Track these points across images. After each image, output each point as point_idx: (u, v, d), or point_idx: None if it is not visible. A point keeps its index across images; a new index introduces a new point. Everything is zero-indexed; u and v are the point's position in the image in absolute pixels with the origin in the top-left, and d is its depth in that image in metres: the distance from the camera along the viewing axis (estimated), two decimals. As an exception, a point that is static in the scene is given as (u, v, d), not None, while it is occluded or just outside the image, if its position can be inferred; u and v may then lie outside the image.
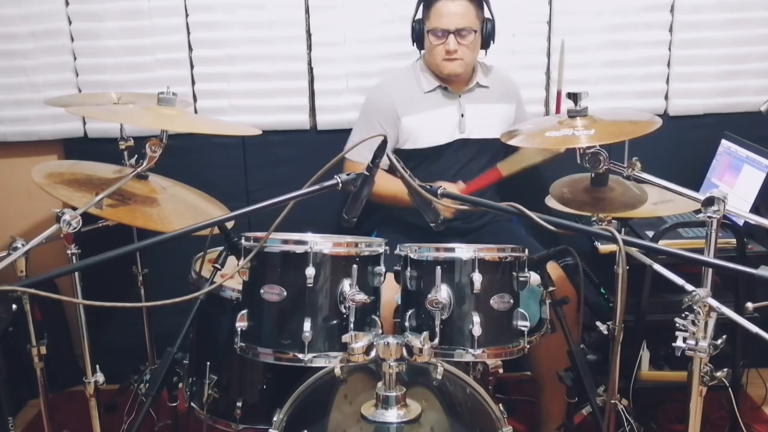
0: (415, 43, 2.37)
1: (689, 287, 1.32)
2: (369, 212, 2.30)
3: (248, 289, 1.57)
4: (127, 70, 2.64)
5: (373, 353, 1.43)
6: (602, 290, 2.31)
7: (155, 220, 1.80)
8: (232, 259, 1.77)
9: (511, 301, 1.58)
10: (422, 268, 1.58)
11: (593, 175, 1.63)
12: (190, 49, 2.64)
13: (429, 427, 1.47)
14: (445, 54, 2.25)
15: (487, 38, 2.31)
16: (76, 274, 1.70)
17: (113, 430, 2.18)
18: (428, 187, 1.56)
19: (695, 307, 1.30)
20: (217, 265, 1.74)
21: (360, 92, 2.53)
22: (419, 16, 2.32)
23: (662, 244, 1.86)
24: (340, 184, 1.47)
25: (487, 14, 2.31)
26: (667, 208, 1.98)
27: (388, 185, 1.99)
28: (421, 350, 1.40)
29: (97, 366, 1.79)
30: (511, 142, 1.81)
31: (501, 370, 1.85)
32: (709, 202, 1.40)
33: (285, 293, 1.49)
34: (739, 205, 2.14)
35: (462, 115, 2.35)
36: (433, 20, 2.26)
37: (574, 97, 1.62)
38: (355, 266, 1.50)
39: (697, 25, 2.62)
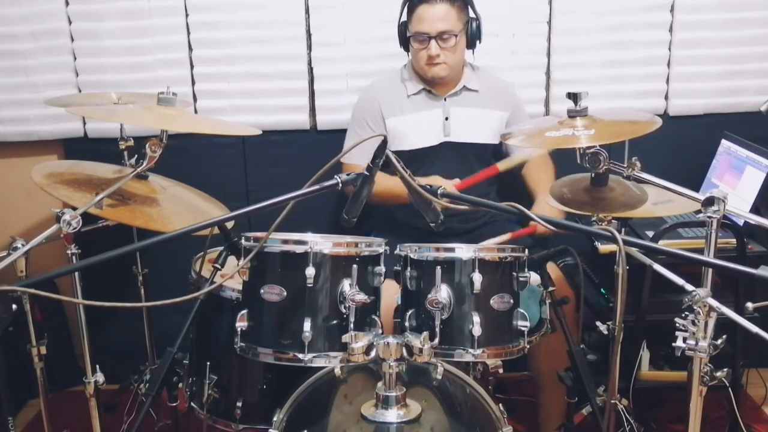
0: (402, 46, 2.36)
1: (689, 287, 1.31)
2: (369, 213, 2.30)
3: (248, 289, 1.56)
4: (127, 70, 2.64)
5: (373, 353, 1.42)
6: (602, 290, 2.31)
7: (155, 220, 1.80)
8: (232, 259, 1.77)
9: (511, 301, 1.58)
10: (422, 268, 1.58)
11: (593, 175, 1.63)
12: (190, 49, 2.64)
13: (429, 427, 1.46)
14: (427, 59, 2.25)
15: (472, 38, 2.30)
16: (76, 274, 1.70)
17: (113, 430, 2.18)
18: (428, 187, 1.56)
19: (695, 307, 1.30)
20: (217, 265, 1.74)
21: (360, 92, 2.52)
22: (404, 18, 2.31)
23: (662, 244, 1.86)
24: (340, 184, 1.47)
25: (472, 15, 2.29)
26: (667, 209, 1.98)
27: (385, 182, 1.98)
28: (421, 350, 1.40)
29: (97, 366, 1.78)
30: (511, 142, 1.81)
31: (501, 370, 1.84)
32: (709, 202, 1.40)
33: (285, 293, 1.49)
34: (739, 205, 2.14)
35: (446, 119, 2.34)
36: (415, 24, 2.25)
37: (574, 97, 1.62)
38: (355, 266, 1.50)
39: (697, 25, 2.61)
